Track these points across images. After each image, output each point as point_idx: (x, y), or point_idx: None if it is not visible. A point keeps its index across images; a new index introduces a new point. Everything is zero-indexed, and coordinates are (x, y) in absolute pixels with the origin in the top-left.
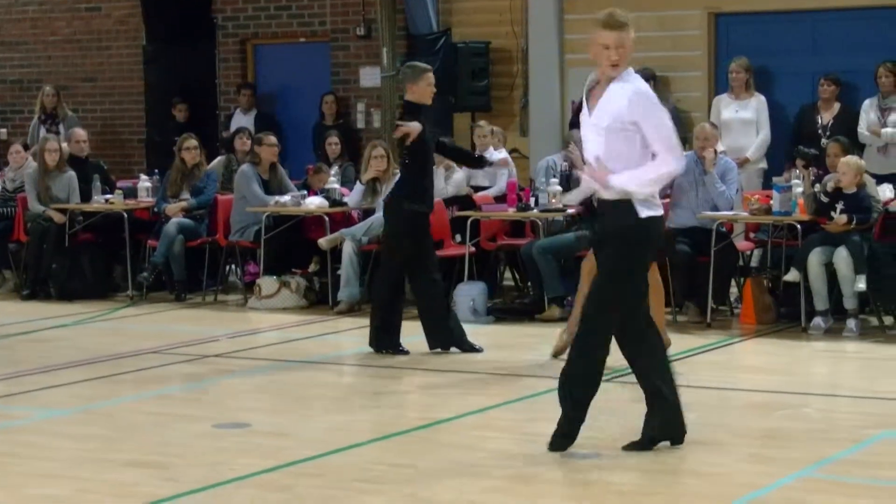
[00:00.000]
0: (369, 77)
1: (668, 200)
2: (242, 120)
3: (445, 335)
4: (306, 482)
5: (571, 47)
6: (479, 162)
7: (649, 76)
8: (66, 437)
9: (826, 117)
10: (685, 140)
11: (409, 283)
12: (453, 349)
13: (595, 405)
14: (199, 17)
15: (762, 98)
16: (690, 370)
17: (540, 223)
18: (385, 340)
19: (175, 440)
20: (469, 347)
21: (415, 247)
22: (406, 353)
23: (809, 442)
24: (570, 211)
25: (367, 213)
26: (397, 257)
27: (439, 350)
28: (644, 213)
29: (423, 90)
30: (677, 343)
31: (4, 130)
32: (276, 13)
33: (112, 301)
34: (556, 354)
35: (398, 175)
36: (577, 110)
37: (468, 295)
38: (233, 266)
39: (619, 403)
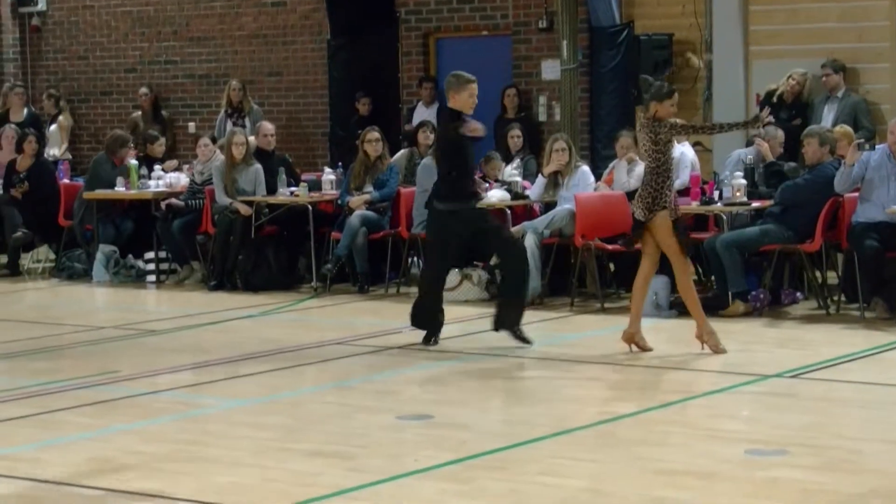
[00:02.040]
0: (550, 70)
1: (856, 195)
2: (424, 113)
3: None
4: (488, 475)
5: (756, 39)
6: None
7: (838, 68)
8: (250, 426)
9: None
10: (874, 132)
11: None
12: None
13: (780, 403)
14: (382, 12)
15: None
16: (880, 367)
17: (724, 217)
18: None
19: (358, 431)
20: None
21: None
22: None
23: None
24: (755, 205)
25: (549, 206)
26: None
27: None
28: None
29: (464, 100)
30: (866, 339)
31: (193, 124)
32: (458, 7)
33: (296, 293)
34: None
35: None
36: (762, 103)
37: (651, 289)
38: (415, 258)
39: (806, 400)
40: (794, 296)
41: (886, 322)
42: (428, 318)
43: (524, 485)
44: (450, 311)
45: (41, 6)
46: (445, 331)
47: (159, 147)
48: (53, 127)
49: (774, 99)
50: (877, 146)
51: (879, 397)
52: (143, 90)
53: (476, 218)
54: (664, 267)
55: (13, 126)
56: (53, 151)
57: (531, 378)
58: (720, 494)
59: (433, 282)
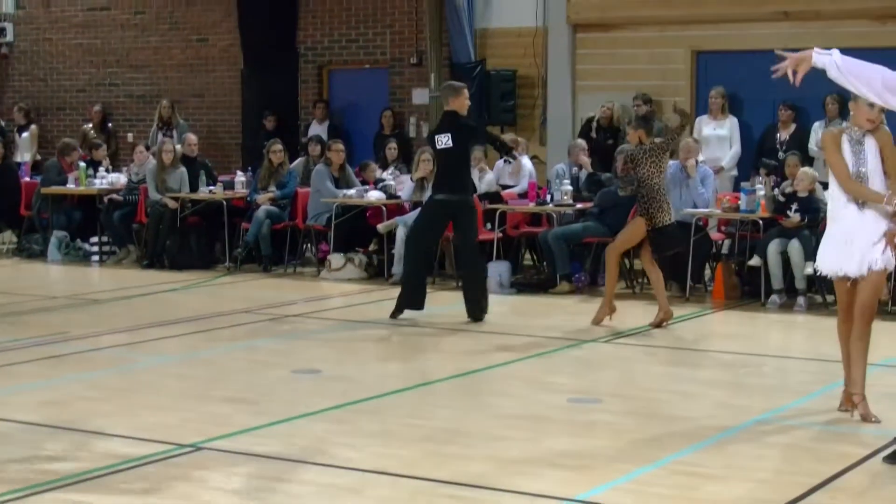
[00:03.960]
0: (420, 96)
1: None
2: (318, 129)
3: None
4: (366, 418)
5: (581, 76)
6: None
7: (647, 100)
8: (174, 377)
9: (784, 135)
10: (673, 152)
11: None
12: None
13: (596, 362)
14: (285, 48)
15: (734, 119)
16: (673, 335)
17: (554, 215)
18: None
19: (261, 382)
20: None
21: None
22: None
23: (766, 394)
24: (578, 206)
25: (416, 204)
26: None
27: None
28: None
29: (461, 102)
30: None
31: (131, 135)
32: (346, 45)
33: (213, 271)
34: (596, 322)
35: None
36: (583, 128)
37: (496, 271)
38: (309, 245)
39: (615, 360)
40: None
41: (679, 300)
42: (419, 291)
43: (394, 426)
44: (336, 288)
45: (9, 38)
46: (333, 303)
47: (102, 153)
48: (25, 135)
49: (593, 124)
50: (672, 162)
51: (671, 358)
52: (97, 108)
53: (471, 209)
54: (507, 253)
55: None
56: (26, 156)
57: (401, 341)
58: (549, 434)
59: (418, 259)
